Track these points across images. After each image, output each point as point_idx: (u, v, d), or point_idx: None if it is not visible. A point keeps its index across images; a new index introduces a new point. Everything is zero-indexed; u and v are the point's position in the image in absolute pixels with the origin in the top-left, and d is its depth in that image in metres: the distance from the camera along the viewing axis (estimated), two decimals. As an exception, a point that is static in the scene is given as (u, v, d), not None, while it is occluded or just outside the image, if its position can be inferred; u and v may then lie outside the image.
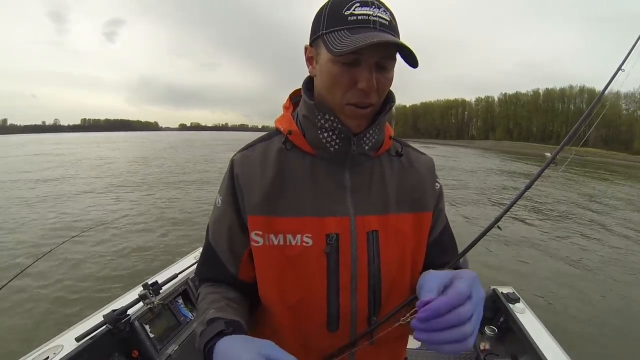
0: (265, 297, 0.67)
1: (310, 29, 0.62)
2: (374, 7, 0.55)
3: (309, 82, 0.67)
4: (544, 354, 1.52)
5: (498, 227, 0.78)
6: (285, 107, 0.72)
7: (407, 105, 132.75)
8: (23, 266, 1.59)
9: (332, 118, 0.61)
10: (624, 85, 0.81)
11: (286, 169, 0.65)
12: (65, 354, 1.32)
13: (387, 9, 0.56)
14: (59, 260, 4.73)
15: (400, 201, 0.68)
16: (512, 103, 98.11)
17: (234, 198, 0.65)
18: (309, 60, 0.64)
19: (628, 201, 12.37)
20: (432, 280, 0.49)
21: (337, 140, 0.63)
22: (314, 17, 0.60)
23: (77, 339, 1.38)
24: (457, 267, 0.73)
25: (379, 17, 0.54)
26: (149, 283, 1.69)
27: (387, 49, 0.55)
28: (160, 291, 1.73)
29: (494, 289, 2.10)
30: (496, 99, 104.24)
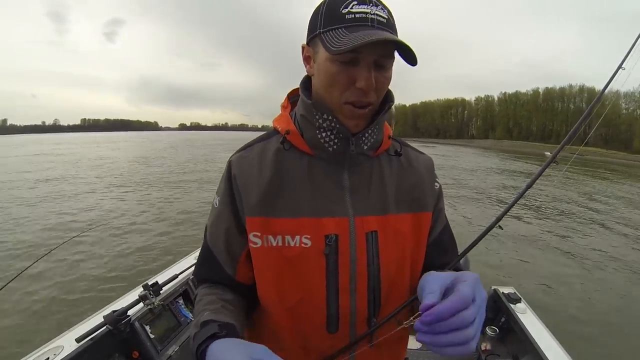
0: (264, 298, 0.66)
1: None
2: (371, 5, 0.54)
3: (306, 82, 0.67)
4: (545, 354, 1.52)
5: (499, 226, 0.78)
6: (283, 107, 0.72)
7: (407, 105, 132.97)
8: (23, 267, 1.58)
9: (330, 118, 0.61)
10: (623, 84, 0.81)
11: (284, 169, 0.64)
12: (66, 354, 1.32)
13: (384, 7, 0.56)
14: (59, 261, 4.72)
15: (399, 201, 0.67)
16: (512, 102, 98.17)
17: (231, 199, 0.65)
18: (307, 59, 0.63)
19: (628, 200, 12.37)
20: (433, 281, 0.49)
21: (336, 140, 0.63)
22: (310, 15, 0.60)
23: (78, 340, 1.38)
24: (457, 268, 0.73)
25: (377, 14, 0.54)
26: (149, 284, 1.69)
27: (385, 47, 0.54)
28: (161, 292, 1.73)
29: (495, 289, 2.09)
30: (496, 98, 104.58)
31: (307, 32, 0.61)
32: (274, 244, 0.62)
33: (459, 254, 0.76)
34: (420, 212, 0.69)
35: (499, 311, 2.00)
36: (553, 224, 8.03)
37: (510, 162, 28.19)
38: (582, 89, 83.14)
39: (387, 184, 0.67)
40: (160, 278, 1.87)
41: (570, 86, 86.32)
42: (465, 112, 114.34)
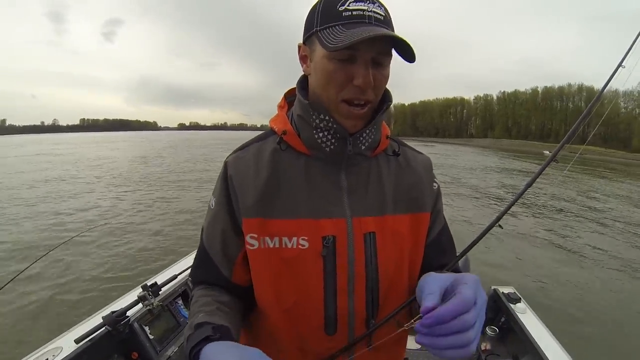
0: (261, 299, 0.66)
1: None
2: (368, 2, 0.54)
3: (303, 81, 0.66)
4: (545, 354, 1.52)
5: (499, 225, 0.77)
6: (280, 107, 0.71)
7: (406, 104, 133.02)
8: (22, 267, 1.58)
9: (327, 118, 0.60)
10: (625, 83, 0.81)
11: (281, 170, 0.63)
12: (65, 355, 1.31)
13: (381, 4, 0.56)
14: (58, 261, 4.72)
15: (397, 201, 0.67)
16: (511, 101, 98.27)
17: (227, 200, 0.64)
18: (303, 59, 0.63)
19: (628, 198, 12.39)
20: (432, 282, 0.48)
21: (333, 140, 0.62)
22: (307, 14, 0.60)
23: (77, 341, 1.37)
24: (455, 269, 0.73)
25: (374, 12, 0.54)
26: (149, 284, 1.69)
27: (383, 44, 0.54)
28: (160, 292, 1.72)
29: (494, 289, 2.09)
30: (495, 97, 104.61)
31: (303, 31, 0.61)
32: (271, 246, 0.61)
33: (457, 254, 0.75)
34: (418, 213, 0.68)
35: (498, 311, 2.00)
36: (553, 223, 8.04)
37: (510, 161, 28.21)
38: (581, 88, 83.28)
39: (385, 184, 0.67)
40: (160, 278, 1.87)
41: (569, 85, 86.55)
42: (464, 111, 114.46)
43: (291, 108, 0.69)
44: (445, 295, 0.47)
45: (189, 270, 2.03)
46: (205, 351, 0.49)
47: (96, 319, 1.51)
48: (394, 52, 0.57)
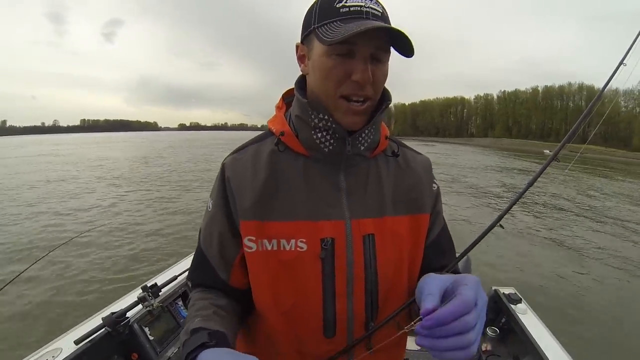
0: (259, 302, 0.65)
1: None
2: None
3: (301, 81, 0.66)
4: (546, 354, 1.51)
5: (500, 225, 0.77)
6: (278, 107, 0.70)
7: (407, 104, 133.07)
8: (22, 268, 1.57)
9: (326, 117, 0.60)
10: (626, 82, 0.80)
11: (279, 171, 0.63)
12: (64, 357, 1.31)
13: (378, 2, 0.56)
14: (58, 262, 4.72)
15: (396, 202, 0.66)
16: (511, 101, 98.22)
17: (225, 202, 0.64)
18: (301, 58, 0.63)
19: (629, 197, 12.37)
20: (432, 283, 0.48)
21: (332, 141, 0.62)
22: (304, 15, 0.60)
23: (76, 342, 1.37)
24: (455, 270, 0.72)
25: (371, 7, 0.54)
26: (149, 285, 1.68)
27: (381, 38, 0.54)
28: (160, 293, 1.71)
29: (495, 290, 2.08)
30: (495, 96, 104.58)
31: (301, 30, 0.61)
32: (269, 248, 0.61)
33: (457, 255, 0.74)
34: (417, 214, 0.68)
35: (499, 312, 1.99)
36: (553, 222, 8.03)
37: (510, 161, 28.20)
38: (581, 87, 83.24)
39: (384, 185, 0.66)
40: (160, 279, 1.86)
41: (570, 84, 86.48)
42: (465, 110, 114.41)
43: (289, 109, 0.68)
44: (445, 297, 0.47)
45: (189, 271, 2.02)
46: (201, 358, 0.49)
47: (96, 320, 1.50)
48: (392, 50, 0.56)
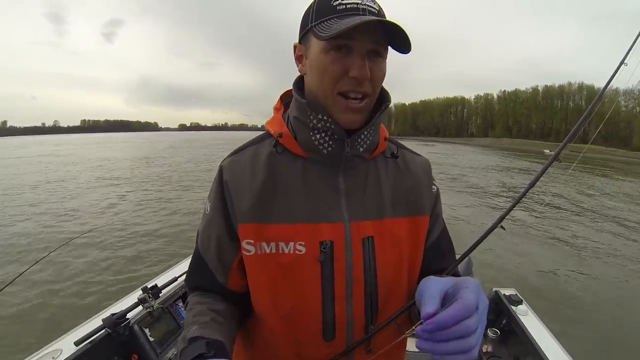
0: (258, 305, 0.65)
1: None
2: None
3: (299, 82, 0.66)
4: (547, 356, 1.50)
5: (501, 226, 0.76)
6: (276, 109, 0.70)
7: (407, 104, 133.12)
8: (21, 269, 1.57)
9: (325, 118, 0.59)
10: (627, 81, 0.80)
11: (277, 173, 0.62)
12: (64, 358, 1.31)
13: (374, 0, 0.56)
14: (58, 264, 4.71)
15: (396, 204, 0.66)
16: (511, 100, 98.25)
17: (223, 204, 0.63)
18: (299, 58, 0.62)
19: (629, 196, 12.36)
20: (433, 286, 0.48)
21: (330, 142, 0.61)
22: (302, 16, 0.60)
23: (76, 343, 1.37)
24: (455, 273, 0.72)
25: (368, 4, 0.54)
26: (149, 286, 1.67)
27: (378, 34, 0.54)
28: (160, 294, 1.71)
29: (496, 291, 2.08)
30: (495, 96, 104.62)
31: (299, 31, 0.61)
32: (268, 251, 0.60)
33: (456, 257, 0.74)
34: (417, 216, 0.67)
35: (500, 313, 1.98)
36: (554, 222, 8.02)
37: (510, 160, 28.20)
38: (581, 86, 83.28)
39: (384, 186, 0.66)
40: (160, 281, 1.86)
41: (570, 84, 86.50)
42: (465, 110, 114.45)
43: (287, 110, 0.68)
44: (446, 300, 0.46)
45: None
46: None
47: (96, 321, 1.50)
48: (391, 50, 0.56)
